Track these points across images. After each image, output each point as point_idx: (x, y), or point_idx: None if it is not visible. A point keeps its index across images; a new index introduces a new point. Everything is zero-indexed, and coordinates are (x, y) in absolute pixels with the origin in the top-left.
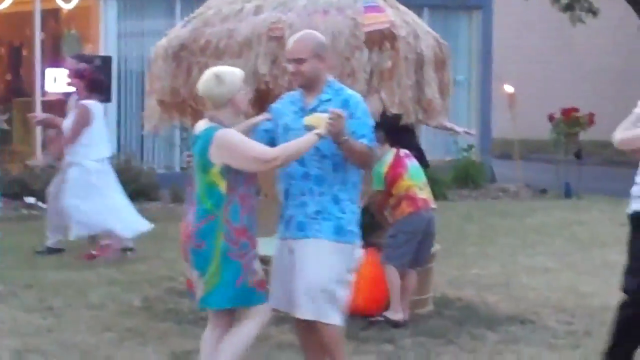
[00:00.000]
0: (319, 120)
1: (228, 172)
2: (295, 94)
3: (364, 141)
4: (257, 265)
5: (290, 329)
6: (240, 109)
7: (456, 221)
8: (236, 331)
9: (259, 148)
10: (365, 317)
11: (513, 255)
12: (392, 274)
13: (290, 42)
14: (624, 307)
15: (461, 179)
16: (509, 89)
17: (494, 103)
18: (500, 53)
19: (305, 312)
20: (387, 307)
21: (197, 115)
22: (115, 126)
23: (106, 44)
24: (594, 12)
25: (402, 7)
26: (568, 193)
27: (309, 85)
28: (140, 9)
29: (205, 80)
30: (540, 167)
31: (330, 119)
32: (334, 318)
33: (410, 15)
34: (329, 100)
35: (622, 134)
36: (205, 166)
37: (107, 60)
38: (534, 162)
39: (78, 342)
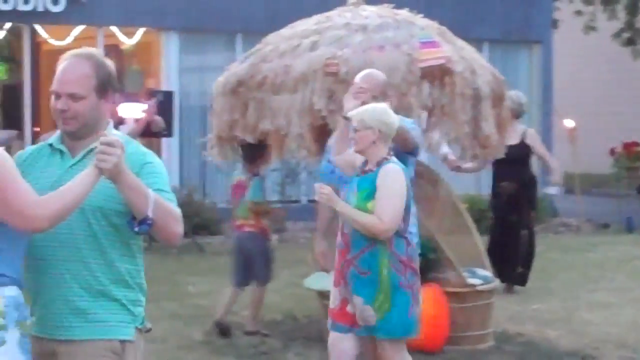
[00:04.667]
0: None
1: None
2: None
3: None
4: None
5: None
6: None
7: None
8: None
9: None
10: (426, 353)
11: (574, 291)
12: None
13: None
14: None
15: None
16: (569, 123)
17: (554, 137)
18: (560, 87)
19: None
20: (446, 342)
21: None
22: (177, 160)
23: (168, 78)
24: None
25: (460, 42)
26: (630, 228)
27: None
28: (201, 44)
29: None
30: (602, 202)
31: None
32: None
33: (467, 50)
34: None
35: None
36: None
37: (169, 95)
38: (595, 197)
39: None
